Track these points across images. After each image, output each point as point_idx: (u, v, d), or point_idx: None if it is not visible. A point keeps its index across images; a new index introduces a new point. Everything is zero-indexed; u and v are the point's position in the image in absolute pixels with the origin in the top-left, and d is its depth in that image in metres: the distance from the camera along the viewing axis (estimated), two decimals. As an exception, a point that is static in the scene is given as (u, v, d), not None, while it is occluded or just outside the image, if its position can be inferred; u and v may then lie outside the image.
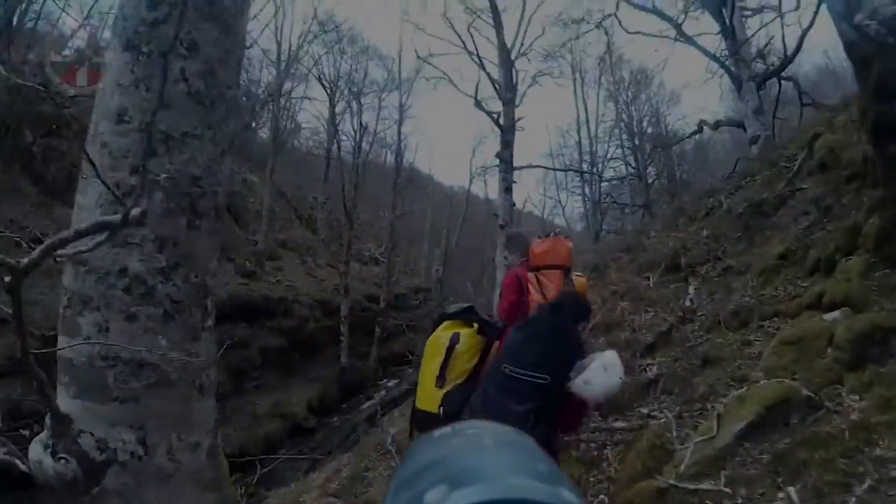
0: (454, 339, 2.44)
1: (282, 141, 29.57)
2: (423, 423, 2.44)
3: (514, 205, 11.14)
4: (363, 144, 19.24)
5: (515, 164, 10.71)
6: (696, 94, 61.49)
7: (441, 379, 2.40)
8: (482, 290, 20.01)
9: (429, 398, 2.42)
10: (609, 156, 22.03)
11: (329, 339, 15.52)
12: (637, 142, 21.05)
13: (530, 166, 18.16)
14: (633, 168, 20.04)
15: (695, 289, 4.71)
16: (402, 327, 16.33)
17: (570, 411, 2.30)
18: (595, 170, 20.11)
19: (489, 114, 10.79)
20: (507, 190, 10.29)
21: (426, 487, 0.38)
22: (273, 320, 12.54)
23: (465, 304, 2.70)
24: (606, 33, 15.47)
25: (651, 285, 5.46)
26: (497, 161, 10.54)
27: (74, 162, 9.11)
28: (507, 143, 10.50)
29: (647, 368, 3.95)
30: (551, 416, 2.19)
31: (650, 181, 19.61)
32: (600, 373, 2.13)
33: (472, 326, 2.51)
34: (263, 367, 11.69)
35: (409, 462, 0.45)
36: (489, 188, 27.94)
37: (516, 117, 10.76)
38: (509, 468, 0.39)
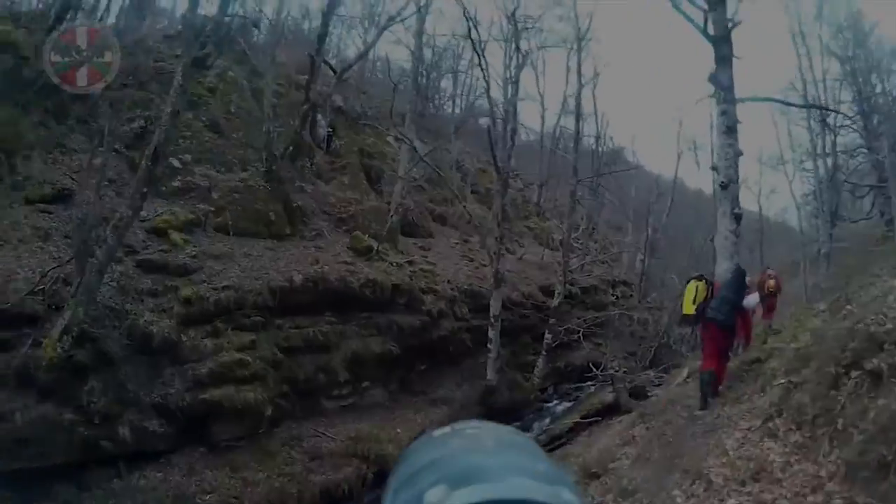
0: (697, 286, 5.82)
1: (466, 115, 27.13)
2: (685, 319, 6.41)
3: (740, 153, 6.76)
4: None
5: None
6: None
7: (694, 302, 5.68)
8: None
9: (688, 309, 5.82)
10: (837, 123, 17.14)
11: (478, 344, 11.69)
12: (865, 107, 16.80)
13: (759, 99, 10.84)
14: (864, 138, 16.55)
15: None
16: (579, 333, 11.42)
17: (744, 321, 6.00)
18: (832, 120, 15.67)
19: (689, 18, 5.39)
20: (729, 131, 6.34)
21: (426, 487, 0.38)
22: (382, 315, 9.15)
23: (698, 274, 6.22)
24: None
25: None
26: (711, 90, 5.55)
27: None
28: (722, 60, 6.33)
29: None
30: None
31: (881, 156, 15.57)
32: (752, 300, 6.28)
33: (703, 280, 5.86)
34: (355, 382, 8.35)
35: (409, 461, 0.44)
36: (700, 161, 22.19)
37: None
38: (509, 468, 0.39)
